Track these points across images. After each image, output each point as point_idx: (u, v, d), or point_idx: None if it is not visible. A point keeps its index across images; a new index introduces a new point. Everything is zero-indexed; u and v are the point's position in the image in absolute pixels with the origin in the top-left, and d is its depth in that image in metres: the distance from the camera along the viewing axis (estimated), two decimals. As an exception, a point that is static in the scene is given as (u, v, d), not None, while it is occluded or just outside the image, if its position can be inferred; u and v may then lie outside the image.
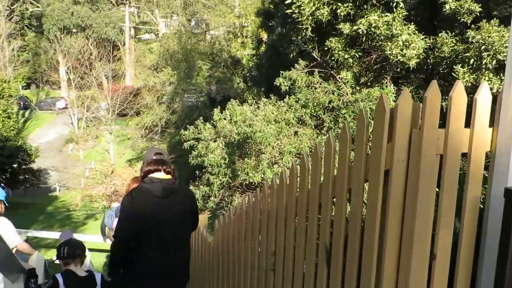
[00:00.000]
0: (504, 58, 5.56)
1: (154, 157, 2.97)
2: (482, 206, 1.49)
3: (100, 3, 42.79)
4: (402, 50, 6.12)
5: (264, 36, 19.72)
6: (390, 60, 6.44)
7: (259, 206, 3.18)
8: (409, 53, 6.06)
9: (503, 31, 5.69)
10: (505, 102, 1.52)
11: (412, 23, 6.39)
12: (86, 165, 25.84)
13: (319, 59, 7.95)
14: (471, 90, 5.07)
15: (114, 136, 27.95)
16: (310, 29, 7.36)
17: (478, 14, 6.22)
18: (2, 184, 20.24)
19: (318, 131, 6.86)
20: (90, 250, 6.42)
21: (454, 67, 5.95)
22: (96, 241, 8.01)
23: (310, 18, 6.95)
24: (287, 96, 7.23)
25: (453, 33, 6.44)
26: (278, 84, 7.31)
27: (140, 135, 26.22)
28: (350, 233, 1.95)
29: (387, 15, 6.31)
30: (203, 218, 4.88)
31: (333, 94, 6.88)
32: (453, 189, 1.61)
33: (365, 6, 6.78)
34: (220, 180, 6.59)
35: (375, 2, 6.70)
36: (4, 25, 40.91)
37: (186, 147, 7.77)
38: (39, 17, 46.52)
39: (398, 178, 1.66)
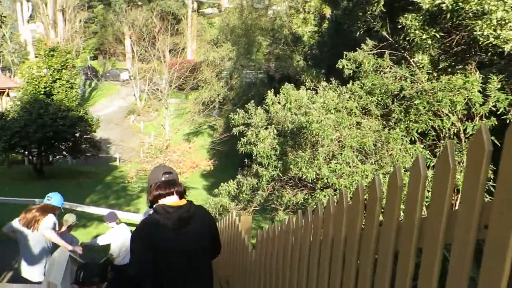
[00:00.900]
0: None
1: (162, 178, 2.56)
2: None
3: (165, -24, 42.93)
4: (495, 30, 5.09)
5: (328, 11, 18.59)
6: (479, 43, 5.43)
7: (310, 229, 2.55)
8: (505, 34, 5.02)
9: None
10: None
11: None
12: (146, 137, 26.25)
13: (390, 39, 7.01)
14: None
15: (172, 109, 28.15)
16: (382, 3, 6.45)
17: None
18: (66, 154, 20.94)
19: (384, 122, 6.00)
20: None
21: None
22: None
23: (383, -10, 6.05)
24: (351, 81, 6.39)
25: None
26: (340, 66, 6.48)
27: (198, 110, 26.10)
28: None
29: (478, -12, 5.27)
30: (245, 221, 4.31)
31: (405, 80, 5.97)
32: None
33: (450, -23, 5.74)
34: (269, 173, 5.97)
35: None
36: (72, -3, 42.05)
37: (235, 133, 7.17)
38: (107, -11, 47.52)
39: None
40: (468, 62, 5.97)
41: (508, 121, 4.74)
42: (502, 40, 5.09)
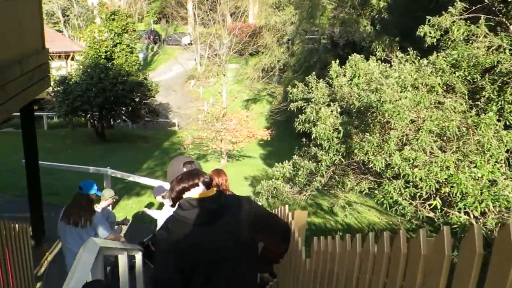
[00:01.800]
0: None
1: (184, 169, 2.24)
2: None
3: None
4: None
5: (403, -30, 16.90)
6: None
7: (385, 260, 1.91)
8: None
9: None
10: None
11: None
12: (204, 104, 26.09)
13: (484, 0, 5.82)
14: None
15: (231, 75, 27.66)
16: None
17: None
18: (125, 119, 21.19)
19: (471, 102, 5.01)
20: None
21: None
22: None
23: None
24: (434, 53, 5.36)
25: None
26: (421, 34, 5.47)
27: (257, 76, 25.41)
28: None
29: None
30: (300, 217, 3.65)
31: (503, 52, 4.91)
32: None
33: None
34: (330, 158, 5.22)
35: None
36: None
37: (292, 109, 6.42)
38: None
39: None
40: None
41: None
42: None
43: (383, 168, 4.52)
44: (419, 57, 5.54)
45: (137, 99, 19.83)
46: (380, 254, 2.02)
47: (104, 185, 10.00)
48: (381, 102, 4.49)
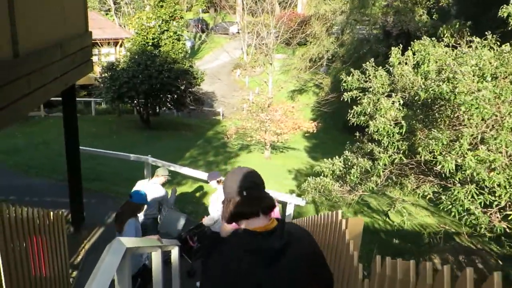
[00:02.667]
0: None
1: (244, 192, 1.83)
2: None
3: None
4: None
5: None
6: None
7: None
8: None
9: None
10: None
11: None
12: (249, 93, 25.71)
13: None
14: None
15: (278, 65, 27.07)
16: None
17: None
18: (170, 106, 21.11)
19: None
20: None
21: None
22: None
23: None
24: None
25: None
26: (503, 15, 4.72)
27: (304, 66, 24.70)
28: None
29: None
30: (355, 225, 3.12)
31: None
32: None
33: None
34: (389, 157, 4.59)
35: None
36: None
37: (346, 99, 5.78)
38: None
39: None
40: None
41: None
42: None
43: (452, 171, 3.89)
44: (498, 42, 4.79)
45: (182, 87, 19.68)
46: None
47: (144, 173, 9.81)
48: (456, 93, 3.84)
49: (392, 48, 5.61)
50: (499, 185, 3.63)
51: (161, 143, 17.60)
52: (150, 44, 19.37)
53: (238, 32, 38.14)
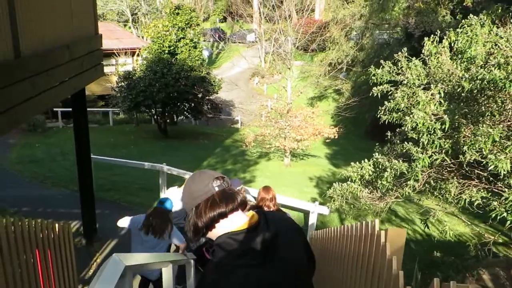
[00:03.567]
0: None
1: (216, 188, 1.62)
2: None
3: None
4: None
5: None
6: None
7: None
8: None
9: None
10: None
11: None
12: (267, 100, 25.32)
13: None
14: None
15: (296, 72, 26.64)
16: None
17: None
18: (188, 115, 20.82)
19: None
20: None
21: None
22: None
23: None
24: None
25: None
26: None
27: (324, 71, 24.19)
28: None
29: None
30: (396, 237, 2.61)
31: None
32: None
33: None
34: (430, 157, 4.02)
35: None
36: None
37: (375, 94, 5.24)
38: None
39: None
40: None
41: None
42: None
43: (505, 172, 3.33)
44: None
45: (199, 95, 19.38)
46: None
47: (159, 182, 9.42)
48: (510, 80, 3.28)
49: (426, 39, 5.08)
50: None
51: (179, 152, 17.29)
52: (167, 52, 19.15)
53: (256, 40, 37.98)
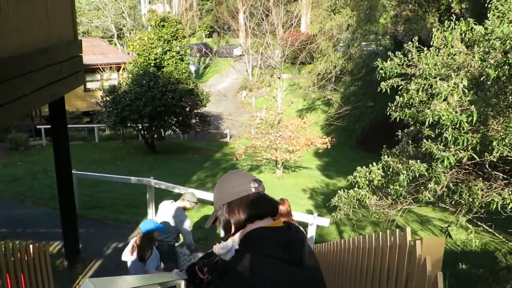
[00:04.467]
0: None
1: (252, 189, 1.60)
2: None
3: None
4: None
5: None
6: None
7: None
8: None
9: None
10: None
11: None
12: (257, 113, 24.96)
13: None
14: None
15: (285, 85, 26.37)
16: None
17: None
18: (175, 129, 20.26)
19: None
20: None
21: None
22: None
23: None
24: None
25: None
26: None
27: (312, 82, 23.93)
28: None
29: None
30: (434, 245, 2.16)
31: None
32: None
33: None
34: (455, 155, 3.56)
35: None
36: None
37: (384, 89, 4.79)
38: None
39: None
40: None
41: None
42: None
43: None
44: None
45: (187, 108, 18.90)
46: None
47: (147, 197, 8.87)
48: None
49: (434, 29, 4.68)
50: None
51: (167, 166, 16.73)
52: (153, 65, 18.68)
53: (242, 54, 37.86)
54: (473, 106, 3.38)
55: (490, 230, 4.13)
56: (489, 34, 3.66)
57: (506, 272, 4.15)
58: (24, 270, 4.47)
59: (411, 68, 4.55)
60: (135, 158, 18.48)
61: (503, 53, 3.37)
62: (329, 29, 26.53)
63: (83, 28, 38.76)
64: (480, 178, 3.85)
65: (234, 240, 1.71)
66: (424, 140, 3.80)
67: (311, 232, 6.80)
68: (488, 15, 3.97)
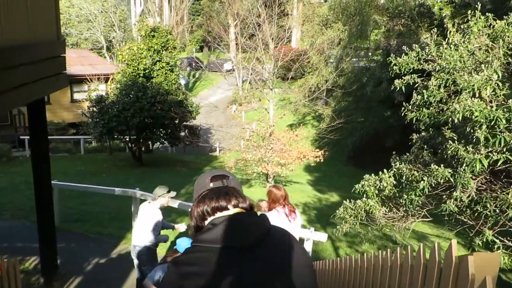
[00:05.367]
0: None
1: (211, 184, 1.61)
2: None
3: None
4: None
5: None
6: None
7: None
8: None
9: None
10: None
11: None
12: (247, 126, 24.61)
13: None
14: None
15: (275, 100, 26.14)
16: None
17: None
18: (164, 141, 19.75)
19: None
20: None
21: None
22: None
23: None
24: None
25: None
26: None
27: (303, 96, 23.69)
28: None
29: None
30: (487, 261, 1.75)
31: None
32: None
33: None
34: (485, 157, 3.16)
35: None
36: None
37: (398, 87, 4.37)
38: (213, -22, 47.61)
39: None
40: None
41: None
42: None
43: None
44: None
45: (176, 121, 18.44)
46: None
47: (132, 209, 8.35)
48: None
49: (449, 24, 4.33)
50: None
51: (155, 179, 16.19)
52: (142, 75, 18.24)
53: (233, 69, 37.74)
54: (510, 100, 3.01)
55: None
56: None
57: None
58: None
59: (429, 64, 4.18)
60: (121, 171, 17.91)
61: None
62: (321, 43, 26.42)
63: (72, 40, 38.31)
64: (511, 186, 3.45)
65: None
66: (450, 141, 3.40)
67: (307, 248, 6.37)
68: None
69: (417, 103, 4.07)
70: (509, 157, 3.15)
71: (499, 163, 3.19)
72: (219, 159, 23.61)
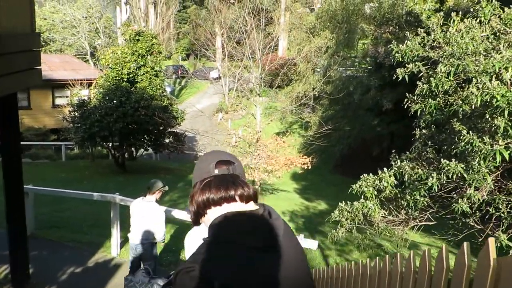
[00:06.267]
0: None
1: (215, 171, 1.49)
2: None
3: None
4: None
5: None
6: None
7: None
8: None
9: None
10: None
11: None
12: (234, 131, 24.28)
13: None
14: None
15: (262, 107, 25.91)
16: None
17: None
18: (148, 148, 19.27)
19: None
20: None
21: None
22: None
23: None
24: None
25: None
26: None
27: (290, 103, 23.45)
28: None
29: None
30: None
31: None
32: None
33: None
34: (507, 149, 2.79)
35: None
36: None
37: (401, 76, 4.09)
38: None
39: None
40: None
41: None
42: None
43: None
44: None
45: (161, 127, 18.00)
46: None
47: (111, 215, 7.89)
48: None
49: (453, 14, 4.05)
50: None
51: (138, 186, 15.69)
52: (125, 79, 17.79)
53: (219, 77, 37.51)
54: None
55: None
56: None
57: None
58: None
59: (435, 51, 3.89)
60: (103, 178, 17.37)
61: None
62: (308, 51, 26.30)
63: (56, 46, 37.65)
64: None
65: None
66: (464, 132, 3.07)
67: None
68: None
69: (423, 92, 3.76)
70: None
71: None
72: (205, 166, 23.17)
